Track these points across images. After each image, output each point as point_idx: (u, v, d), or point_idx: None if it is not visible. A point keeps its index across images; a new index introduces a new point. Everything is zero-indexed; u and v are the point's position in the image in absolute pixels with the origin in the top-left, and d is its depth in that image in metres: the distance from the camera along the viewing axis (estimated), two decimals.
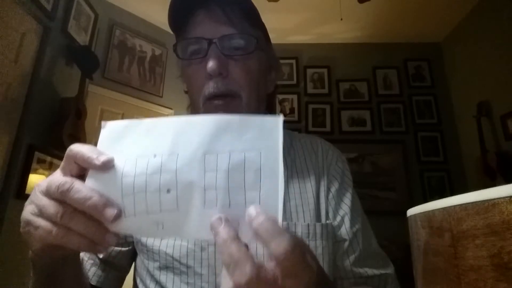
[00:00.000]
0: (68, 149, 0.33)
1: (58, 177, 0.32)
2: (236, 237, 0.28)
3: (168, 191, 0.29)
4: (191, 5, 0.58)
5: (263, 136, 0.30)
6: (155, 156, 0.30)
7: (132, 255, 0.62)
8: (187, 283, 0.52)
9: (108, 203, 0.30)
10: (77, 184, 0.31)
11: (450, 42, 2.81)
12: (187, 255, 0.53)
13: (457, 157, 2.63)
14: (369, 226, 0.63)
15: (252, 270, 0.26)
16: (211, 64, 0.53)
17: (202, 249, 0.53)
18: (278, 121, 0.30)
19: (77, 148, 0.32)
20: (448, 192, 2.55)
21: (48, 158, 1.86)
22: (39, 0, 1.78)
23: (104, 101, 2.40)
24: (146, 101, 2.61)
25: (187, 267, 0.53)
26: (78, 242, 0.31)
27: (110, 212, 0.29)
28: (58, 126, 1.86)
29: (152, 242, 0.56)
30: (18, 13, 1.68)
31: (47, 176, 1.82)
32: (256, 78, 0.58)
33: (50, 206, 0.31)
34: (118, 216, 0.30)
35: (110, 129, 0.33)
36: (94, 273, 0.57)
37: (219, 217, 0.29)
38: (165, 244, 0.55)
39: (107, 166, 0.31)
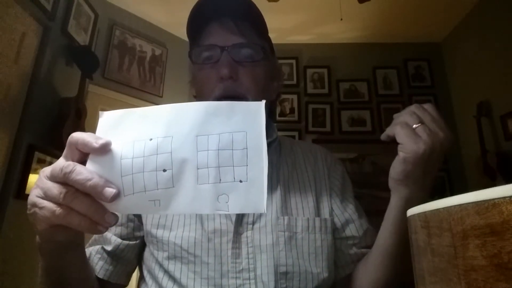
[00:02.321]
0: (69, 137, 0.35)
1: (61, 162, 0.35)
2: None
3: (164, 170, 0.32)
4: (207, 17, 0.64)
5: (248, 119, 0.33)
6: (151, 139, 0.33)
7: (139, 250, 0.64)
8: (194, 272, 0.55)
9: (107, 183, 0.32)
10: (79, 166, 0.33)
11: (450, 42, 2.81)
12: (194, 245, 0.57)
13: (457, 157, 2.63)
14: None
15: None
16: (223, 68, 0.59)
17: (208, 240, 0.57)
18: (260, 105, 0.34)
19: (77, 135, 0.35)
20: (448, 192, 2.55)
21: (48, 158, 1.86)
22: (39, 0, 1.78)
23: (104, 101, 2.40)
24: (146, 101, 2.61)
25: (195, 256, 0.56)
26: (79, 222, 0.33)
27: (109, 191, 0.32)
28: (58, 126, 1.85)
29: (161, 233, 0.59)
30: (18, 13, 1.68)
31: None
32: (261, 84, 0.64)
33: (54, 188, 0.33)
34: (117, 195, 0.32)
35: (107, 118, 0.36)
36: (102, 266, 0.59)
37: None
38: (174, 235, 0.58)
39: (105, 148, 0.33)
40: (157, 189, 0.32)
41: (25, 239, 1.68)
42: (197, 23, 0.65)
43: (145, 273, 0.62)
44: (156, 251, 0.59)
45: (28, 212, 0.36)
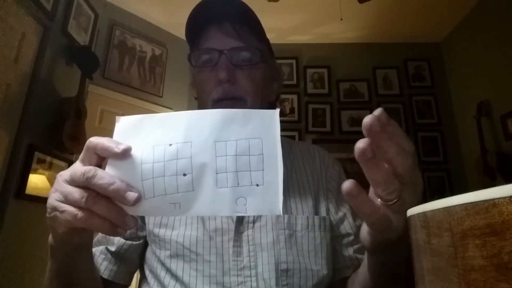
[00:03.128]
0: (87, 141, 0.36)
1: (80, 167, 0.35)
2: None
3: (184, 174, 0.33)
4: (206, 21, 0.65)
5: (263, 125, 0.35)
6: (170, 145, 0.34)
7: (142, 250, 0.65)
8: (196, 270, 0.56)
9: (129, 187, 0.33)
10: (100, 171, 0.34)
11: (450, 42, 2.81)
12: (196, 243, 0.58)
13: (457, 157, 2.63)
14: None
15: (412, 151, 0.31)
16: (220, 71, 0.60)
17: (210, 238, 0.58)
18: (275, 113, 0.36)
19: (96, 140, 0.35)
20: (448, 192, 2.55)
21: (48, 158, 1.86)
22: (39, 0, 1.78)
23: (104, 101, 2.41)
24: (146, 101, 2.61)
25: (197, 254, 0.57)
26: (101, 225, 0.34)
27: (131, 195, 0.33)
28: (58, 126, 1.86)
29: (164, 232, 0.60)
30: (18, 13, 1.68)
31: (47, 176, 1.83)
32: (260, 86, 0.65)
33: (75, 192, 0.34)
34: (138, 199, 0.33)
35: (124, 123, 0.37)
36: (106, 267, 0.60)
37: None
38: (176, 234, 0.59)
39: (126, 153, 0.34)
40: (178, 192, 0.33)
41: (25, 239, 1.68)
42: (196, 27, 0.66)
43: (147, 272, 0.62)
44: (158, 250, 0.60)
45: (48, 215, 0.37)
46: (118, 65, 2.51)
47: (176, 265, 0.57)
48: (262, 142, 0.34)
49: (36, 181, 1.77)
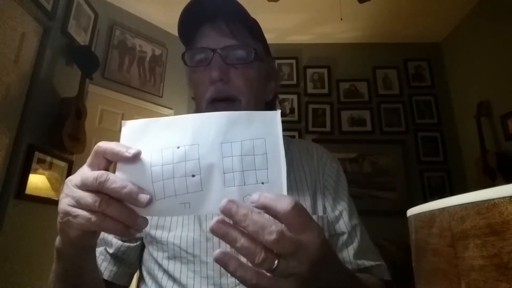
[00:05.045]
0: (96, 146, 0.37)
1: (90, 172, 0.36)
2: (253, 209, 0.33)
3: (193, 175, 0.35)
4: (199, 19, 0.64)
5: (266, 126, 0.37)
6: (178, 147, 0.36)
7: (140, 252, 0.65)
8: (194, 271, 0.56)
9: (140, 190, 0.34)
10: (112, 175, 0.35)
11: (450, 42, 2.81)
12: (193, 245, 0.57)
13: (457, 157, 2.63)
14: (361, 221, 0.68)
15: (279, 228, 0.31)
16: (213, 71, 0.59)
17: (207, 239, 0.58)
18: (276, 114, 0.37)
19: (105, 144, 0.36)
20: (448, 192, 2.55)
21: (48, 158, 1.86)
22: (39, 0, 1.78)
23: (104, 101, 2.41)
24: (146, 101, 2.61)
25: (194, 256, 0.57)
26: (114, 227, 0.35)
27: (143, 197, 0.34)
28: (58, 126, 1.86)
29: (160, 234, 0.60)
30: (18, 13, 1.68)
31: (47, 176, 1.83)
32: (255, 85, 0.64)
33: (87, 196, 0.35)
34: (150, 200, 0.34)
35: (130, 127, 0.38)
36: (106, 267, 0.61)
37: (229, 200, 0.33)
38: (173, 236, 0.59)
39: (137, 158, 0.35)
40: (187, 193, 0.35)
41: (25, 239, 1.68)
42: (189, 26, 0.65)
43: (145, 273, 0.62)
44: (156, 252, 0.60)
45: (60, 220, 0.37)
46: (118, 65, 2.51)
47: (174, 267, 0.57)
48: (265, 142, 0.36)
49: (36, 181, 1.77)
